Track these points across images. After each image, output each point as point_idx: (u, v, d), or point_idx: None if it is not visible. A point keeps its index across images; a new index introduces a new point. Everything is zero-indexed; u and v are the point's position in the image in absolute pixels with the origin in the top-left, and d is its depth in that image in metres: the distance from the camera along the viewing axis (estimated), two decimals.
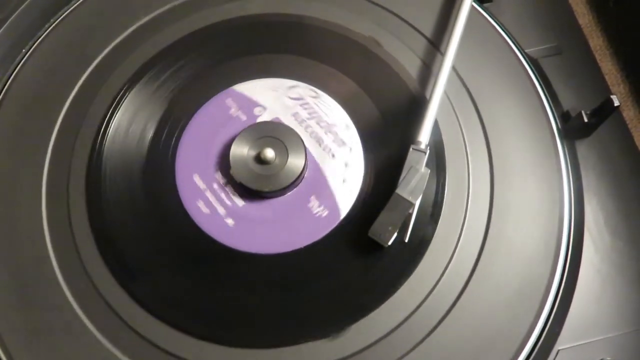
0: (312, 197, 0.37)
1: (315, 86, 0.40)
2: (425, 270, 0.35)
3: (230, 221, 0.36)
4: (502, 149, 0.38)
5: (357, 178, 0.37)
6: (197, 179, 0.37)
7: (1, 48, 0.41)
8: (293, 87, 0.40)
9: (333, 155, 0.38)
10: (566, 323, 0.34)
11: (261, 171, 0.36)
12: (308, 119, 0.39)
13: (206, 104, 0.39)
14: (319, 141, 0.38)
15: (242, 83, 0.40)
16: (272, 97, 0.39)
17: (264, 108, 0.39)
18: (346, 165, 0.37)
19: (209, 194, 0.37)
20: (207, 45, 0.41)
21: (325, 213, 0.36)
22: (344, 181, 0.37)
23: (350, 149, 0.38)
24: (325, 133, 0.38)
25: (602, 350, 0.34)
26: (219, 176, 0.37)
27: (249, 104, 0.39)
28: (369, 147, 0.38)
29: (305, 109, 0.39)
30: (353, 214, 0.36)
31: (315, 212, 0.36)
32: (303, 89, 0.40)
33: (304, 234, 0.36)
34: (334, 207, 0.36)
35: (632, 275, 0.35)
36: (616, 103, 0.34)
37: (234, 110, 0.39)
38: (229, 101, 0.39)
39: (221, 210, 0.36)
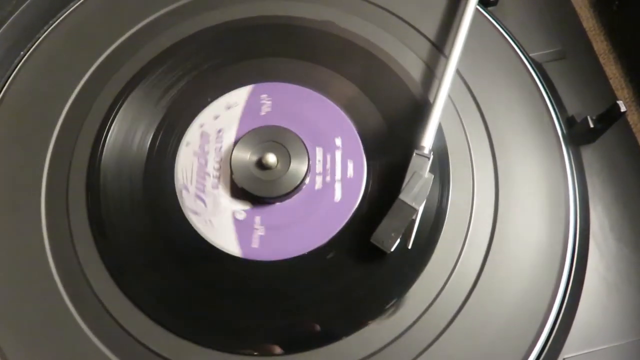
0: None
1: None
2: (429, 277, 0.34)
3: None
4: (507, 154, 0.37)
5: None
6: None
7: None
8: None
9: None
10: (572, 331, 0.34)
11: (263, 176, 0.36)
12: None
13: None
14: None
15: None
16: None
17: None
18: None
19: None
20: (207, 49, 0.41)
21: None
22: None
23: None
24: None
25: (608, 359, 0.33)
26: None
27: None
28: (372, 151, 0.38)
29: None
30: (355, 219, 0.36)
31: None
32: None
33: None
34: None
35: (638, 283, 0.35)
36: (623, 109, 0.34)
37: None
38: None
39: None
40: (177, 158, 0.37)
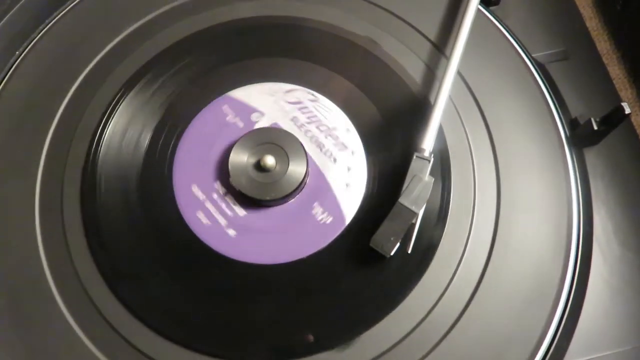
0: (316, 204, 0.36)
1: (314, 90, 0.39)
2: (429, 282, 0.34)
3: (231, 232, 0.35)
4: (509, 156, 0.37)
5: (360, 185, 0.36)
6: (195, 189, 0.36)
7: None
8: (290, 90, 0.39)
9: (335, 160, 0.37)
10: (575, 336, 0.33)
11: (262, 179, 0.35)
12: (307, 123, 0.38)
13: (202, 111, 0.38)
14: (319, 146, 0.37)
15: (238, 89, 0.39)
16: (269, 101, 0.38)
17: (262, 114, 0.38)
18: (349, 169, 0.37)
19: (208, 205, 0.36)
20: (202, 50, 0.40)
21: (330, 219, 0.35)
22: (347, 185, 0.36)
23: (352, 152, 0.37)
24: (326, 137, 0.37)
25: None
26: (218, 185, 0.36)
27: (245, 110, 0.38)
28: (372, 153, 0.37)
29: (304, 113, 0.38)
30: (355, 222, 0.35)
31: (319, 219, 0.35)
32: (301, 92, 0.39)
33: (307, 243, 0.35)
34: (338, 212, 0.35)
35: None
36: (627, 111, 0.34)
37: (230, 117, 0.38)
38: (226, 108, 0.38)
39: (222, 220, 0.35)
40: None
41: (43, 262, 0.34)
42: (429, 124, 0.35)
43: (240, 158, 0.35)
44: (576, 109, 0.39)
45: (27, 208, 0.36)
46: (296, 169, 0.35)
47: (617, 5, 0.45)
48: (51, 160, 0.37)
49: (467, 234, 0.34)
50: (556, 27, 0.42)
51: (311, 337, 0.33)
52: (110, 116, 0.38)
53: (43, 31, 0.41)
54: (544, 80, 0.39)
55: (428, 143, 0.34)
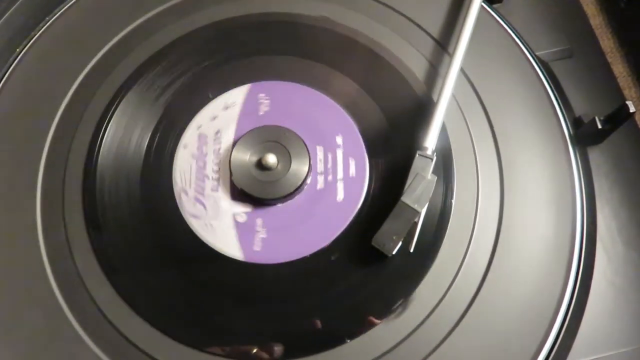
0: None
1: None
2: (431, 282, 0.33)
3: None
4: (512, 155, 0.36)
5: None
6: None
7: None
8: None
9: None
10: (578, 337, 0.33)
11: (263, 178, 0.35)
12: None
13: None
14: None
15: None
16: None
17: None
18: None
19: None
20: (204, 48, 0.40)
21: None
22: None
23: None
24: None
25: None
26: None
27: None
28: (374, 152, 0.37)
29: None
30: (357, 221, 0.35)
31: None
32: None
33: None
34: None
35: None
36: (632, 109, 0.33)
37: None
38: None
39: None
40: (174, 160, 0.37)
41: (44, 260, 0.34)
42: (431, 122, 0.35)
43: (242, 156, 0.35)
44: (580, 108, 0.38)
45: (28, 207, 0.35)
46: (298, 167, 0.35)
47: (621, 2, 0.45)
48: (52, 159, 0.37)
49: (470, 233, 0.34)
50: (560, 24, 0.41)
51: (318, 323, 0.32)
52: (110, 116, 0.38)
53: (43, 29, 0.41)
54: (548, 79, 0.39)
55: (431, 141, 0.34)
